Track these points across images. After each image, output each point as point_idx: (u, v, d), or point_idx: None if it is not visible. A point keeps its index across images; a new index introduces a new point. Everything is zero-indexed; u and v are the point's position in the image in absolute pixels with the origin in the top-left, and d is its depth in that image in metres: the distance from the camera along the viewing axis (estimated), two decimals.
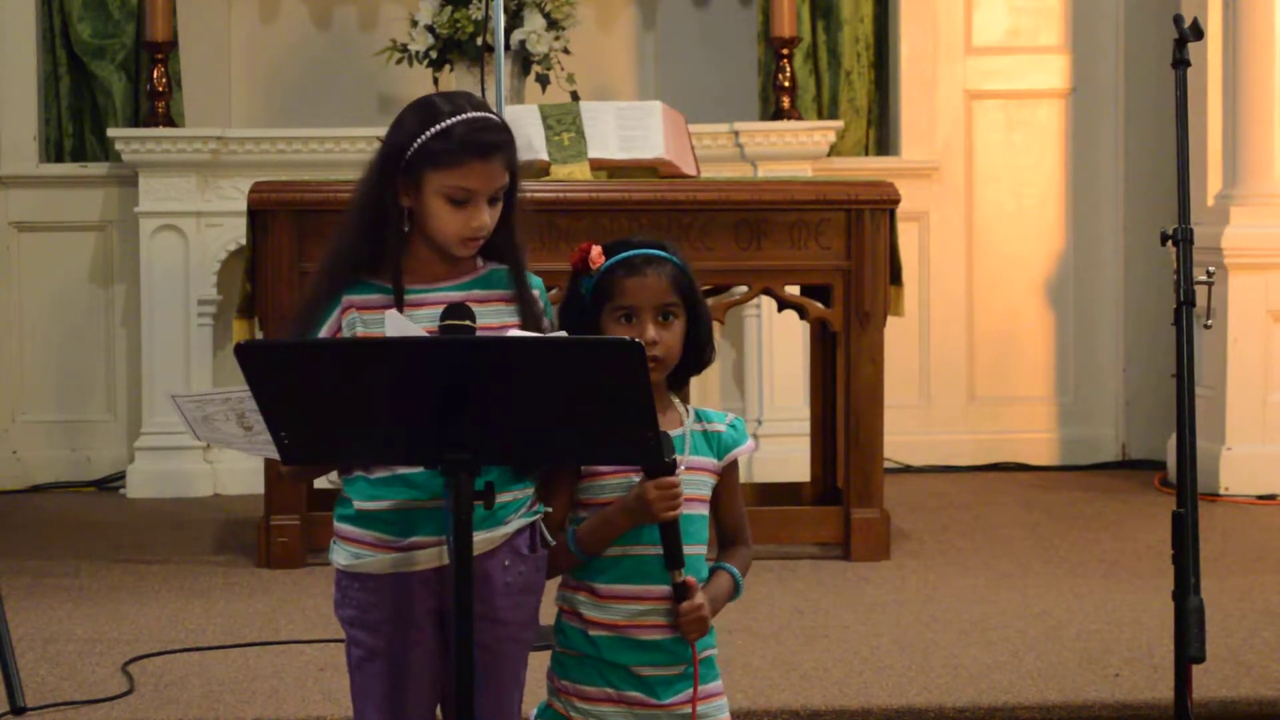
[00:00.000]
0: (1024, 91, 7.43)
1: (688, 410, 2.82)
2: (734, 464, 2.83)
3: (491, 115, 2.74)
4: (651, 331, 2.73)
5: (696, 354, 2.81)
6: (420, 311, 2.71)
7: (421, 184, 2.72)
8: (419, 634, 2.74)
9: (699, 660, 2.74)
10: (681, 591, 2.71)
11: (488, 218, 2.72)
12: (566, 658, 2.79)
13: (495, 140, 2.71)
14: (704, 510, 2.79)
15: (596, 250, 2.78)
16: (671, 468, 2.68)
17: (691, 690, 2.74)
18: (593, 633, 2.74)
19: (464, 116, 2.71)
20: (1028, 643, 4.46)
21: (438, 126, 2.71)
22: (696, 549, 2.77)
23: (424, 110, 2.74)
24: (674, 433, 2.76)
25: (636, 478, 2.70)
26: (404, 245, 2.76)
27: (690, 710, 2.74)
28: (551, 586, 2.85)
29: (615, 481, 2.74)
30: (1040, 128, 7.44)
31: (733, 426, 2.83)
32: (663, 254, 2.79)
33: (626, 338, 2.48)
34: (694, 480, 2.76)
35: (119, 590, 5.13)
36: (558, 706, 2.79)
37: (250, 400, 2.83)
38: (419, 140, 2.71)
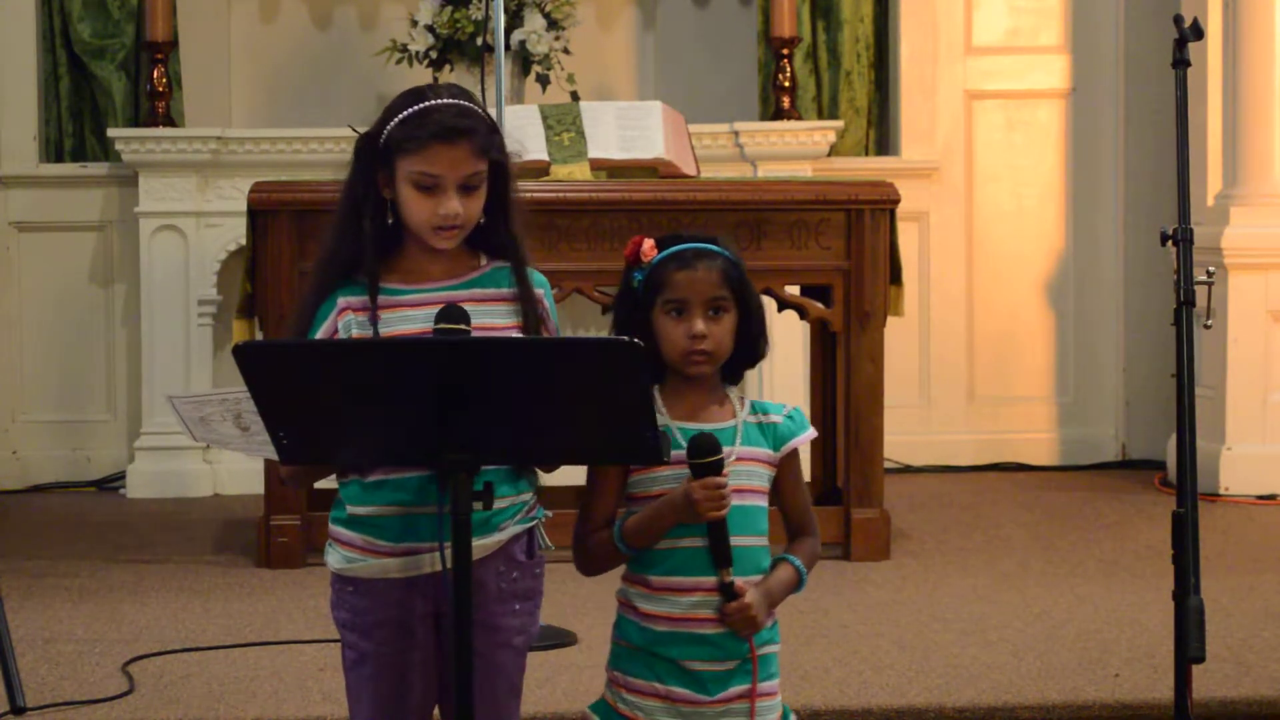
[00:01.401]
0: (1024, 91, 7.43)
1: (742, 402, 2.81)
2: (794, 454, 2.81)
3: (464, 103, 2.72)
4: (700, 325, 2.73)
5: (750, 347, 2.80)
6: (418, 312, 2.69)
7: (396, 172, 2.71)
8: (411, 639, 2.73)
9: (757, 656, 2.73)
10: (728, 591, 2.70)
11: (458, 205, 2.69)
12: (620, 649, 2.78)
13: (460, 125, 2.68)
14: (760, 501, 2.77)
15: (649, 243, 2.78)
16: (719, 467, 2.68)
17: (741, 686, 2.72)
18: (647, 625, 2.73)
19: (433, 102, 2.70)
20: (1028, 643, 4.46)
21: (406, 113, 2.70)
22: (753, 540, 2.75)
23: (400, 99, 2.74)
24: (725, 425, 2.75)
25: (687, 470, 2.69)
26: (393, 239, 2.74)
27: (743, 705, 2.72)
28: (611, 580, 2.82)
29: (667, 474, 2.72)
30: (1040, 128, 7.44)
31: (790, 417, 2.81)
32: (714, 248, 2.79)
33: (625, 338, 2.48)
34: (747, 471, 2.75)
35: (119, 590, 5.13)
36: (609, 698, 2.78)
37: (247, 401, 2.83)
38: (388, 127, 2.71)
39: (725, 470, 2.69)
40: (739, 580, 2.70)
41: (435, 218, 2.69)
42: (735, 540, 2.71)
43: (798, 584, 2.79)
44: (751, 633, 2.71)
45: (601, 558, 2.78)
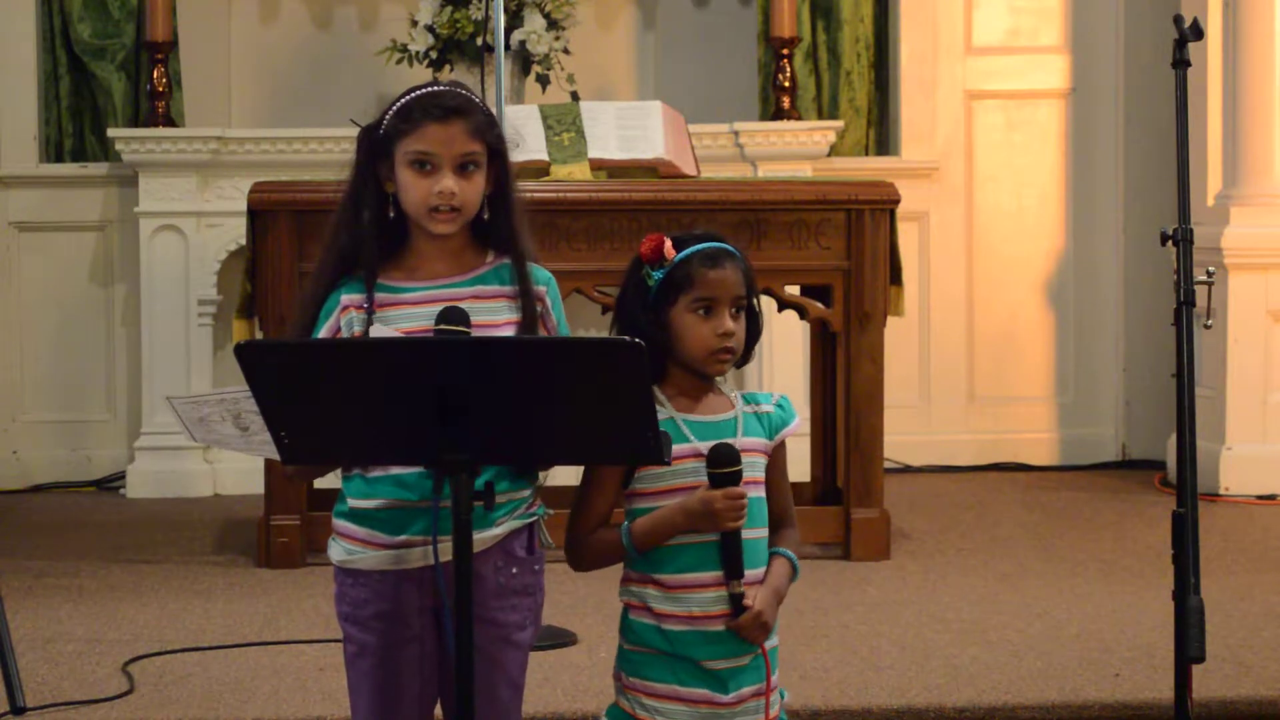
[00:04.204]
0: (1024, 91, 7.43)
1: (734, 395, 2.81)
2: (782, 444, 2.81)
3: (459, 90, 2.76)
4: (730, 323, 2.73)
5: (748, 348, 2.80)
6: (420, 310, 2.71)
7: (395, 160, 2.73)
8: (409, 632, 2.75)
9: (767, 651, 2.73)
10: (737, 602, 2.69)
11: (453, 183, 2.70)
12: (634, 654, 2.76)
13: (452, 105, 2.72)
14: (760, 492, 2.76)
15: (670, 242, 2.78)
16: (738, 477, 2.67)
17: (755, 684, 2.72)
18: (667, 626, 2.72)
19: (428, 89, 2.75)
20: (1028, 643, 4.46)
21: (402, 100, 2.74)
22: (758, 532, 2.75)
23: (400, 95, 2.78)
24: (727, 416, 2.76)
25: (698, 462, 2.69)
26: (398, 236, 2.76)
27: (757, 703, 2.72)
28: (610, 579, 2.81)
29: (682, 467, 2.71)
30: (1040, 128, 7.44)
31: (779, 406, 2.81)
32: (732, 248, 2.79)
33: (626, 338, 2.48)
34: (750, 463, 2.74)
35: (119, 590, 5.13)
36: (624, 705, 2.77)
37: (246, 401, 2.83)
38: (387, 116, 2.74)
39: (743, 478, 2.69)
40: (748, 589, 2.70)
41: (431, 197, 2.71)
42: (743, 534, 2.71)
43: (794, 575, 2.80)
44: (764, 638, 2.71)
45: (601, 556, 2.77)
